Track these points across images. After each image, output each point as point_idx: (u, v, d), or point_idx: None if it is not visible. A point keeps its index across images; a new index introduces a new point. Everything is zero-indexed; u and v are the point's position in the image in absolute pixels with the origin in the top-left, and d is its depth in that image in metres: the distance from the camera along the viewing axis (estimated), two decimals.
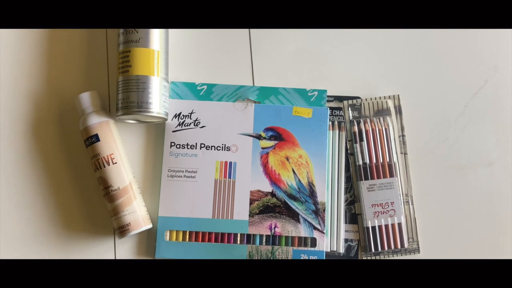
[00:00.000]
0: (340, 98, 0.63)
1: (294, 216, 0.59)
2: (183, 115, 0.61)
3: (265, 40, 0.64)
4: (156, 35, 0.58)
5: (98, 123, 0.57)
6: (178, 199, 0.59)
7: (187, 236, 0.59)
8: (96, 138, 0.57)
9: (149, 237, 0.59)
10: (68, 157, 0.61)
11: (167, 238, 0.59)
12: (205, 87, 0.62)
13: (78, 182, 0.60)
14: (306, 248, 0.58)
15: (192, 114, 0.61)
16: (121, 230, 0.56)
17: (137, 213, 0.56)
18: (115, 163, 0.57)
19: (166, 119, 0.59)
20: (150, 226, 0.57)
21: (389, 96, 0.62)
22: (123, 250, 0.59)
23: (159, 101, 0.57)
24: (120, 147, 0.58)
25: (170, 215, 0.59)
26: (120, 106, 0.57)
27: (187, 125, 0.61)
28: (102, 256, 0.59)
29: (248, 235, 0.59)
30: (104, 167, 0.56)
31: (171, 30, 0.62)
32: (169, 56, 0.61)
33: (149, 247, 0.59)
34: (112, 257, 0.59)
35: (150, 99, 0.57)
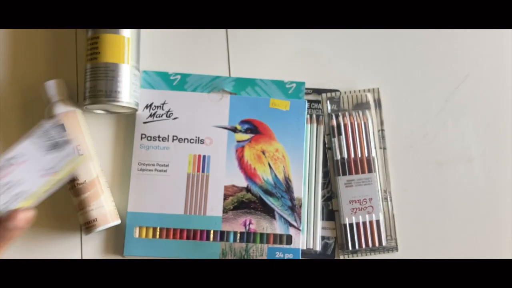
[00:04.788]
0: (318, 91, 0.61)
1: (269, 212, 0.57)
2: (154, 106, 0.58)
3: (242, 30, 0.61)
4: None
5: (64, 112, 0.54)
6: (148, 194, 0.56)
7: (158, 233, 0.56)
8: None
9: (118, 234, 0.57)
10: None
11: (137, 235, 0.56)
12: (178, 77, 0.59)
13: None
14: (281, 246, 0.56)
15: (164, 105, 0.58)
16: (88, 225, 0.53)
17: (104, 208, 0.54)
18: (81, 155, 0.54)
19: (136, 110, 0.57)
20: (118, 222, 0.55)
21: (369, 89, 0.61)
22: (90, 247, 0.56)
23: (129, 90, 0.55)
24: (88, 138, 0.55)
25: (140, 210, 0.56)
26: (88, 95, 0.54)
27: (158, 116, 0.58)
28: (67, 254, 0.56)
29: (222, 232, 0.56)
30: None
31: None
32: (141, 43, 0.58)
33: (117, 245, 0.56)
34: (79, 255, 0.56)
35: (119, 88, 0.54)
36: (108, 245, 0.56)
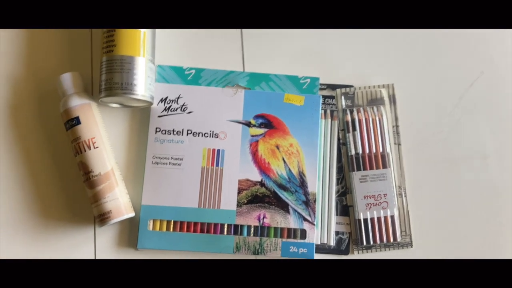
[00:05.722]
0: (332, 86, 0.61)
1: (283, 206, 0.57)
2: (169, 100, 0.58)
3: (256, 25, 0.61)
4: None
5: (80, 105, 0.54)
6: (162, 187, 0.56)
7: (172, 226, 0.56)
8: (77, 120, 0.54)
9: (131, 227, 0.57)
10: (47, 141, 0.57)
11: (150, 227, 0.56)
12: (193, 71, 0.60)
13: (58, 167, 0.57)
14: (295, 240, 0.56)
15: (179, 99, 0.58)
16: (102, 218, 0.53)
17: (119, 200, 0.53)
18: (97, 147, 0.54)
19: (151, 103, 0.57)
20: (132, 214, 0.55)
21: (383, 85, 0.60)
22: (103, 240, 0.56)
23: (144, 83, 0.55)
24: (102, 131, 0.55)
25: (154, 203, 0.56)
26: (103, 87, 0.54)
27: (173, 110, 0.58)
28: (81, 246, 0.56)
29: (236, 226, 0.56)
30: (85, 151, 0.53)
31: None
32: (156, 38, 0.58)
33: (131, 237, 0.56)
34: (92, 248, 0.56)
35: (135, 80, 0.54)
36: (121, 238, 0.56)
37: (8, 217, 0.56)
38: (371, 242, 0.57)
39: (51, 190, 0.57)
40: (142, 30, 0.55)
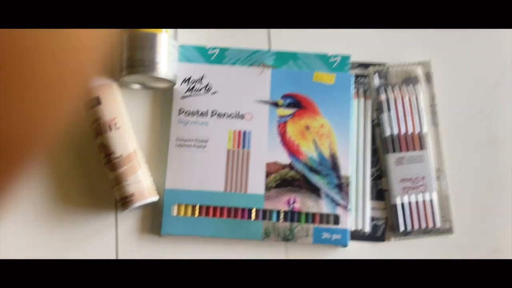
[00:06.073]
0: (364, 65, 0.57)
1: (314, 190, 0.53)
2: (193, 80, 0.56)
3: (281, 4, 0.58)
4: None
5: (100, 85, 0.52)
6: (187, 170, 0.53)
7: (197, 211, 0.53)
8: (97, 101, 0.51)
9: (155, 212, 0.54)
10: (65, 123, 0.55)
11: (175, 213, 0.53)
12: (216, 51, 0.57)
13: (76, 151, 0.55)
14: (328, 226, 0.53)
15: (202, 79, 0.56)
16: (124, 201, 0.50)
17: (142, 183, 0.51)
18: (118, 128, 0.51)
19: (174, 83, 0.54)
20: (156, 198, 0.52)
21: (419, 62, 0.57)
22: (125, 226, 0.54)
23: (167, 62, 0.52)
24: (124, 112, 0.53)
25: (178, 187, 0.53)
26: (125, 65, 0.52)
27: (197, 91, 0.55)
28: (102, 233, 0.53)
29: (264, 211, 0.53)
30: (106, 132, 0.51)
31: None
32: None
33: (154, 224, 0.54)
34: (113, 234, 0.53)
35: (157, 58, 0.52)
36: (144, 224, 0.54)
37: (28, 204, 0.53)
38: (409, 228, 0.53)
39: (70, 175, 0.54)
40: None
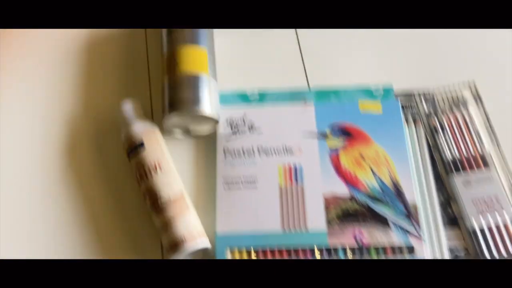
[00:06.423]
0: (407, 93, 0.55)
1: (381, 221, 0.48)
2: (235, 121, 0.54)
3: (313, 37, 0.59)
4: (203, 34, 0.54)
5: (144, 130, 0.50)
6: (238, 212, 0.49)
7: (253, 254, 0.47)
8: (141, 146, 0.49)
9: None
10: (107, 175, 0.52)
11: (229, 257, 0.47)
12: (256, 94, 0.56)
13: (119, 201, 0.51)
14: (403, 256, 0.46)
15: (245, 119, 0.54)
16: (174, 247, 0.45)
17: (192, 226, 0.46)
18: (163, 171, 0.48)
19: (217, 122, 0.52)
20: (208, 244, 0.46)
21: (463, 83, 0.55)
22: None
23: (209, 100, 0.51)
24: (168, 156, 0.50)
25: (230, 230, 0.48)
26: (167, 104, 0.50)
27: (241, 132, 0.53)
28: None
29: (328, 249, 0.47)
30: (151, 175, 0.48)
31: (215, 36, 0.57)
32: (216, 62, 0.56)
33: None
34: None
35: (200, 97, 0.50)
36: None
37: (71, 256, 0.48)
38: (496, 256, 0.47)
39: (113, 227, 0.50)
40: (203, 47, 0.53)
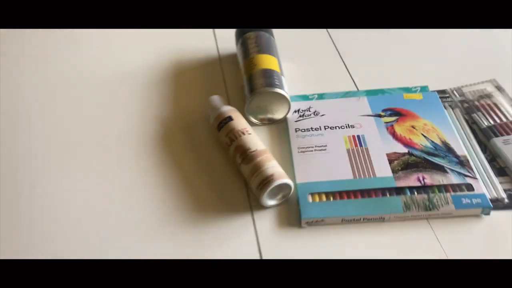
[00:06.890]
0: (441, 92, 0.67)
1: (439, 168, 0.56)
2: (302, 110, 0.65)
3: (351, 43, 0.73)
4: (272, 46, 0.68)
5: (230, 109, 0.61)
6: (313, 168, 0.57)
7: (331, 195, 0.54)
8: (229, 118, 0.60)
9: (289, 207, 0.55)
10: (197, 155, 0.61)
11: (310, 200, 0.54)
12: (316, 95, 0.68)
13: (208, 171, 0.59)
14: (464, 193, 0.53)
15: (310, 108, 0.65)
16: (265, 182, 0.52)
17: (278, 167, 0.54)
18: (249, 134, 0.58)
19: (290, 103, 0.62)
20: (291, 183, 0.54)
21: (486, 80, 0.67)
22: (263, 223, 0.53)
23: (283, 86, 0.63)
24: (251, 129, 0.60)
25: (308, 180, 0.56)
26: (249, 92, 0.62)
27: (307, 116, 0.64)
28: (241, 233, 0.53)
29: (397, 188, 0.54)
30: (240, 137, 0.57)
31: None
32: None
33: (290, 218, 0.54)
34: (253, 233, 0.53)
35: (276, 81, 0.62)
36: (281, 219, 0.54)
37: (170, 216, 0.55)
38: None
39: (204, 190, 0.57)
40: (275, 57, 0.66)
